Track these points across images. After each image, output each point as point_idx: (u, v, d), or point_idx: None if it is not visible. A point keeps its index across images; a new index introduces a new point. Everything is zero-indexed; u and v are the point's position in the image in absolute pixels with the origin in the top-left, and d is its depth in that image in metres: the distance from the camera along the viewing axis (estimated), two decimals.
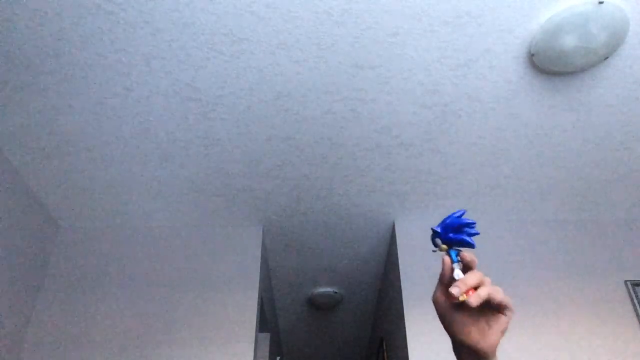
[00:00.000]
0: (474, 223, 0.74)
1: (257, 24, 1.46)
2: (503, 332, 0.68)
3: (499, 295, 0.66)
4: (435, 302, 0.73)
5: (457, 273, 0.69)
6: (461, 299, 0.65)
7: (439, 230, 0.75)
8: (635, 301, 2.12)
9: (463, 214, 0.75)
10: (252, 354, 2.04)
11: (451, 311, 0.71)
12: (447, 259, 0.72)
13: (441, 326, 0.74)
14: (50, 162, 1.97)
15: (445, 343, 2.03)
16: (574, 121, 1.83)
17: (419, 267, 2.26)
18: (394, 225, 2.43)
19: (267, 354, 2.83)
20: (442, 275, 0.72)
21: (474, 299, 0.64)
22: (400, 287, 2.22)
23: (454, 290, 0.65)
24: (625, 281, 2.20)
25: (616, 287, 2.19)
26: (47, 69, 1.59)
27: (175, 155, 1.96)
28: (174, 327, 2.10)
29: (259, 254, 2.34)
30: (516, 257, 2.29)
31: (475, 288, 0.66)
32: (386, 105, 1.76)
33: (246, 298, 2.20)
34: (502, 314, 0.68)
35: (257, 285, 2.24)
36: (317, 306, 3.25)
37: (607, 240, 2.34)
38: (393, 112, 1.78)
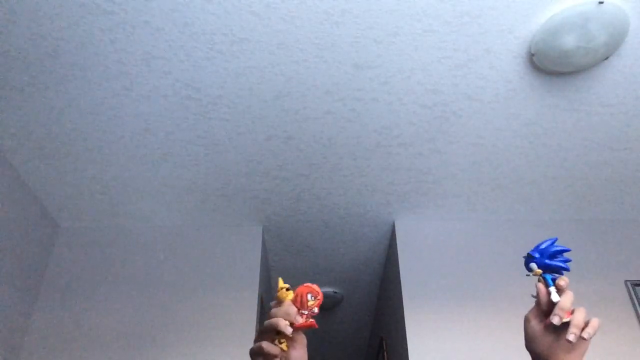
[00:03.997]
0: (568, 250, 0.80)
1: (257, 24, 1.46)
2: (584, 354, 0.76)
3: (592, 326, 0.74)
4: (527, 322, 0.81)
5: (554, 296, 0.77)
6: (565, 320, 0.74)
7: (536, 255, 0.81)
8: (635, 301, 2.12)
9: (555, 241, 0.82)
10: None
11: (542, 333, 0.78)
12: (541, 286, 0.79)
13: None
14: (50, 162, 1.97)
15: (445, 343, 2.04)
16: (574, 121, 1.83)
17: (419, 267, 2.26)
18: (394, 225, 2.43)
19: None
20: (538, 300, 0.80)
21: (573, 335, 0.72)
22: (400, 287, 2.22)
23: (554, 320, 0.74)
24: (625, 281, 2.19)
25: (616, 287, 2.19)
26: (47, 69, 1.59)
27: (175, 155, 1.96)
28: (174, 327, 2.10)
29: (259, 254, 2.34)
30: (516, 257, 2.28)
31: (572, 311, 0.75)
32: (386, 105, 1.76)
33: (246, 298, 2.20)
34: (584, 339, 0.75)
35: (257, 285, 2.24)
36: None
37: (607, 240, 2.34)
38: (393, 112, 1.78)
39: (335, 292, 3.11)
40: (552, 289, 0.77)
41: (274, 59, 1.57)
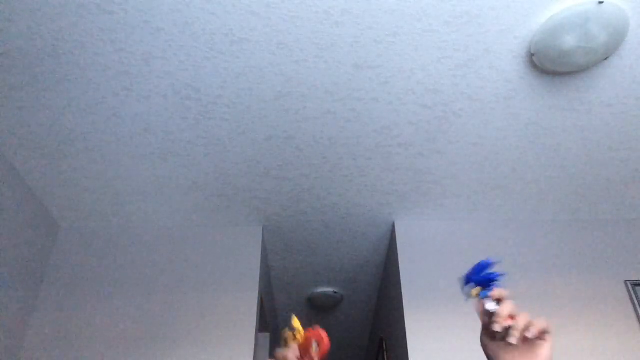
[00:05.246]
0: (494, 264, 0.78)
1: (257, 24, 1.46)
2: (550, 357, 0.72)
3: (535, 325, 0.71)
4: (484, 346, 0.78)
5: (490, 305, 0.75)
6: (505, 326, 0.72)
7: (467, 279, 0.79)
8: (635, 301, 2.12)
9: (487, 264, 0.79)
10: (252, 354, 2.04)
11: (502, 351, 0.75)
12: (477, 303, 0.77)
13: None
14: (50, 162, 1.97)
15: (445, 343, 2.04)
16: (574, 121, 1.83)
17: (419, 267, 2.25)
18: (394, 225, 2.43)
19: (267, 354, 2.83)
20: (482, 320, 0.77)
21: (513, 337, 0.70)
22: (400, 287, 2.22)
23: (496, 327, 0.72)
24: (625, 281, 2.19)
25: (616, 287, 2.19)
26: (47, 69, 1.59)
27: (175, 155, 1.96)
28: (174, 328, 2.10)
29: (259, 254, 2.34)
30: (516, 257, 2.29)
31: (512, 317, 0.72)
32: (386, 105, 1.76)
33: (246, 298, 2.20)
34: (543, 339, 0.72)
35: (257, 285, 2.24)
36: (317, 306, 3.25)
37: (607, 240, 2.34)
38: (393, 112, 1.78)
39: (335, 292, 3.11)
40: (486, 300, 0.75)
41: (274, 59, 1.57)
